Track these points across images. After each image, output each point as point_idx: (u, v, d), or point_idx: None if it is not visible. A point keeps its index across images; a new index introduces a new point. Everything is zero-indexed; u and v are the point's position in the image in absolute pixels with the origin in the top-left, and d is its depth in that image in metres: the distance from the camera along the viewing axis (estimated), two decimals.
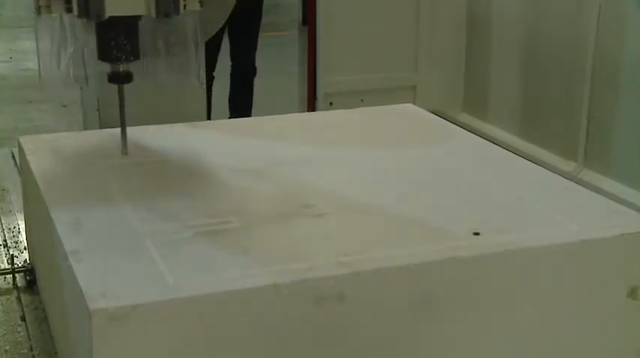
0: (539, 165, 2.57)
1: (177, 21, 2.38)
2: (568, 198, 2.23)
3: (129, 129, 2.67)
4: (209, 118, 5.40)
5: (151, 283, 1.72)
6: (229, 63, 5.63)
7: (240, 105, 5.58)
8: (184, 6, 2.27)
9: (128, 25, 2.29)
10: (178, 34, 2.46)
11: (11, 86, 6.58)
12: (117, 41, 2.29)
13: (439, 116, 3.05)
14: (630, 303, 2.01)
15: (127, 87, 2.61)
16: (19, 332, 2.33)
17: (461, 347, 1.91)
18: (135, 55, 2.35)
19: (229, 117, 5.58)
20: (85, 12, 2.19)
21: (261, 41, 5.60)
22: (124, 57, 2.32)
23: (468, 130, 2.94)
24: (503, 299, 1.91)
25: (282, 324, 1.74)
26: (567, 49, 4.29)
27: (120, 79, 2.38)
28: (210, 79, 5.41)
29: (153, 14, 2.24)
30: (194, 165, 2.45)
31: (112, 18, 2.21)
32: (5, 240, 2.88)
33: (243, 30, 5.37)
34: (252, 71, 5.60)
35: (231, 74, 5.66)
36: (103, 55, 2.34)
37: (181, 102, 3.37)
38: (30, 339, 2.29)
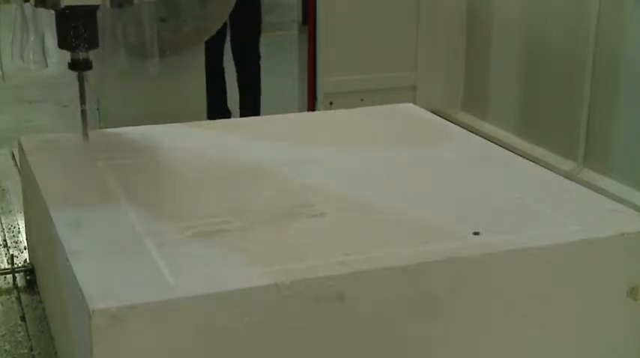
0: (539, 164, 2.57)
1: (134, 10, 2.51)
2: (568, 198, 2.23)
3: (129, 129, 2.68)
4: (225, 109, 5.39)
5: (151, 283, 1.72)
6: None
7: (251, 88, 5.53)
8: None
9: (86, 14, 2.38)
10: (136, 23, 2.56)
11: (11, 86, 6.57)
12: (76, 30, 2.38)
13: (439, 116, 3.06)
14: (630, 303, 2.01)
15: (127, 88, 2.62)
16: (19, 332, 2.33)
17: (461, 347, 1.91)
18: (94, 43, 2.44)
19: (240, 101, 5.55)
20: (41, 2, 2.29)
21: (261, 41, 5.59)
22: (82, 45, 2.41)
23: (468, 130, 2.94)
24: (503, 299, 1.92)
25: (282, 324, 1.75)
26: (567, 48, 4.29)
27: (80, 66, 2.47)
28: (220, 74, 5.40)
29: (107, 4, 2.33)
30: (194, 165, 2.45)
31: (69, 7, 2.31)
32: (5, 240, 2.88)
33: (244, 23, 5.35)
34: (257, 57, 5.55)
35: (236, 65, 5.61)
36: (63, 43, 2.42)
37: (181, 102, 3.37)
38: (30, 339, 2.29)
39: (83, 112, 2.56)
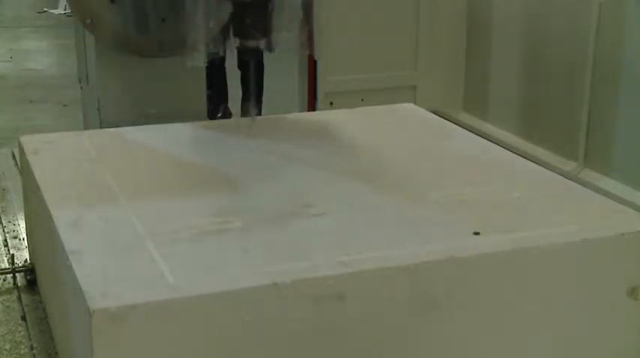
0: (539, 164, 2.57)
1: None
2: (568, 198, 2.23)
3: (129, 129, 2.69)
4: (227, 109, 5.40)
5: (151, 283, 1.72)
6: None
7: (252, 91, 5.52)
8: None
9: (260, 5, 2.60)
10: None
11: (11, 86, 6.57)
12: (253, 20, 2.60)
13: (439, 116, 3.06)
14: (630, 303, 2.01)
15: (127, 88, 2.63)
16: (19, 331, 2.33)
17: (461, 346, 1.91)
18: (265, 32, 2.64)
19: (242, 100, 5.55)
20: None
21: None
22: (256, 34, 2.62)
23: (468, 130, 2.94)
24: (503, 299, 1.92)
25: (282, 324, 1.75)
26: (567, 48, 4.28)
27: (251, 53, 2.69)
28: (221, 74, 5.40)
29: None
30: (194, 164, 2.45)
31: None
32: (5, 240, 2.89)
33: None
34: (260, 56, 5.52)
35: (239, 65, 5.59)
36: (239, 32, 2.63)
37: (181, 102, 3.37)
38: (30, 339, 2.29)
39: (254, 97, 2.83)
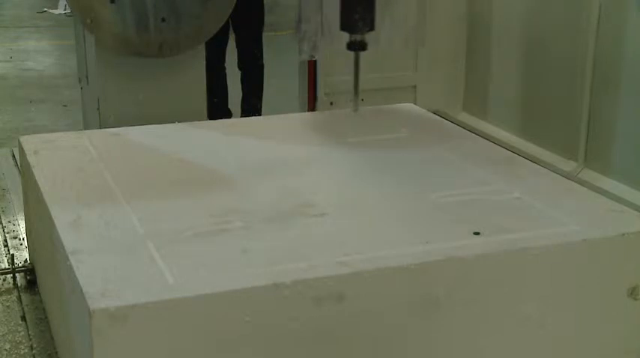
0: (540, 164, 2.57)
1: None
2: (568, 198, 2.23)
3: (129, 129, 2.69)
4: (227, 109, 5.40)
5: (151, 283, 1.72)
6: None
7: (253, 88, 5.52)
8: None
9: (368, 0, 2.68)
10: None
11: (11, 86, 6.56)
12: (362, 14, 2.68)
13: (439, 116, 3.06)
14: (630, 303, 2.01)
15: (127, 88, 2.62)
16: (19, 331, 2.33)
17: (461, 346, 1.91)
18: (372, 26, 2.71)
19: (242, 101, 5.55)
20: None
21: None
22: (364, 28, 2.70)
23: (468, 130, 2.94)
24: (503, 299, 1.92)
25: (282, 324, 1.75)
26: (567, 48, 4.28)
27: (357, 46, 2.78)
28: (221, 74, 5.40)
29: None
30: (194, 164, 2.45)
31: None
32: (5, 240, 2.88)
33: (247, 24, 5.35)
34: (260, 56, 5.54)
35: (239, 65, 5.61)
36: (346, 26, 2.71)
37: (181, 102, 3.38)
38: (30, 339, 2.29)
39: (356, 89, 2.91)
